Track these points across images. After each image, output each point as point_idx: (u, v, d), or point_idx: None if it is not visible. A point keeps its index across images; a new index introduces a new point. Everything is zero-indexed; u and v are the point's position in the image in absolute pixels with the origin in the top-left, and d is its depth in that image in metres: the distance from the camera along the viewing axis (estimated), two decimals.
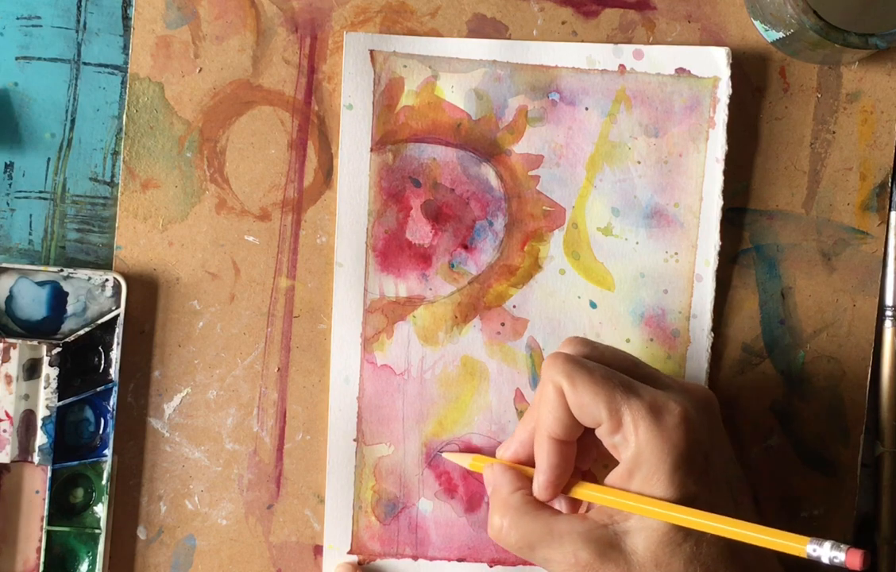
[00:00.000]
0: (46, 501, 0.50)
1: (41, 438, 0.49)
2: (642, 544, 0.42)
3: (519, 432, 0.48)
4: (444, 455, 0.51)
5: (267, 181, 0.52)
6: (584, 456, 0.47)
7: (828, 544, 0.38)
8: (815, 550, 0.39)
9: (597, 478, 0.47)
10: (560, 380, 0.44)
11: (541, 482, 0.45)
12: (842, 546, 0.38)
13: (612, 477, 0.44)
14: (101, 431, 0.51)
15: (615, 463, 0.45)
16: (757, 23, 0.52)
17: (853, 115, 0.53)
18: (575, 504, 0.46)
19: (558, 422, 0.44)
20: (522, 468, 0.47)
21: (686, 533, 0.42)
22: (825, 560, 0.39)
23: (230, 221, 0.52)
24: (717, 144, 0.52)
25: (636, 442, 0.43)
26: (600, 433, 0.44)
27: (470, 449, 0.52)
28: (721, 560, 0.43)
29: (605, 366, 0.45)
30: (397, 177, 0.52)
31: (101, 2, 0.52)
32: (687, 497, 0.42)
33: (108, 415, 0.50)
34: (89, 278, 0.51)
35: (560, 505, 0.46)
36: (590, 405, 0.43)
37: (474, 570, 0.52)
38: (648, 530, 0.42)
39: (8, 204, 0.52)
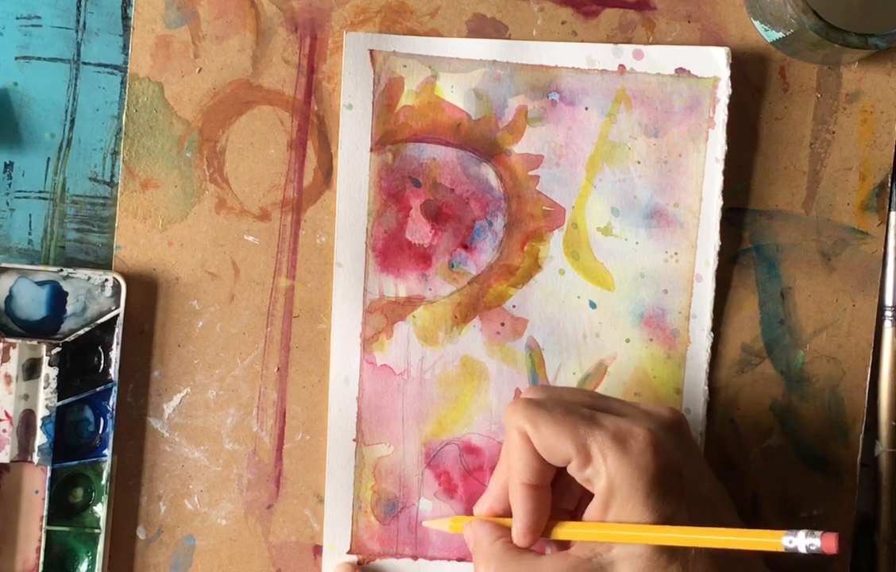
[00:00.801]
0: (46, 501, 0.50)
1: (41, 438, 0.49)
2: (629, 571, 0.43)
3: (492, 486, 0.48)
4: (425, 523, 0.51)
5: (267, 181, 0.52)
6: (566, 496, 0.47)
7: (802, 533, 0.39)
8: (790, 542, 0.39)
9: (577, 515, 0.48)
10: (523, 424, 0.44)
11: (519, 529, 0.45)
12: (815, 533, 0.38)
13: (589, 511, 0.44)
14: (100, 431, 0.51)
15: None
16: (757, 23, 0.52)
17: (853, 115, 0.53)
18: (563, 544, 0.46)
19: (528, 468, 0.45)
20: (500, 520, 0.48)
21: (671, 556, 0.42)
22: (802, 549, 0.39)
23: (230, 221, 0.52)
24: (716, 144, 0.52)
25: (606, 472, 0.43)
26: (571, 470, 0.44)
27: (470, 449, 0.52)
28: (714, 564, 0.43)
29: (565, 403, 0.45)
30: (397, 177, 0.52)
31: (100, 2, 0.52)
32: (664, 518, 0.42)
33: (108, 415, 0.50)
34: (89, 278, 0.51)
35: (549, 548, 0.47)
36: (555, 444, 0.44)
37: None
38: (633, 558, 0.43)
39: (8, 204, 0.52)
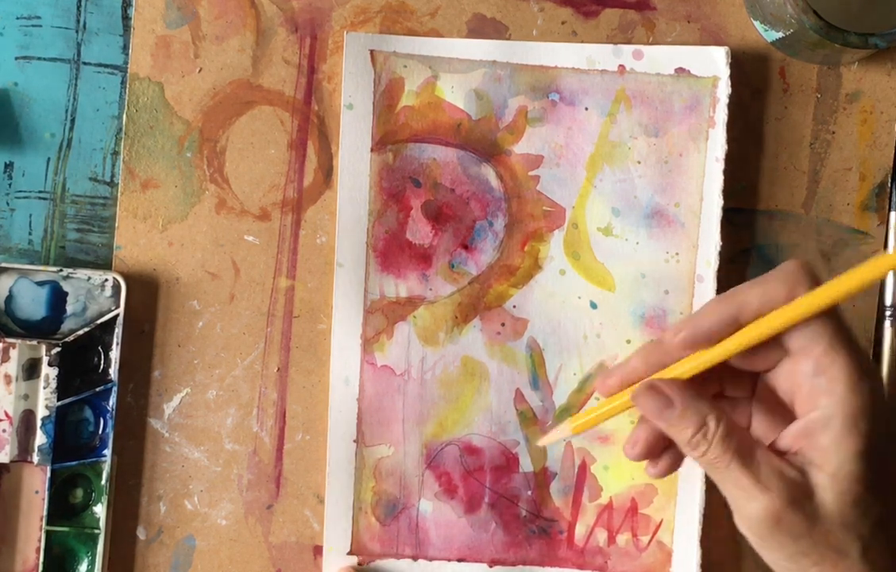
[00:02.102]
0: (46, 501, 0.50)
1: (41, 438, 0.49)
2: (832, 501, 0.41)
3: (710, 315, 0.42)
4: (540, 443, 0.48)
5: (267, 181, 0.52)
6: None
7: None
8: None
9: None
10: (800, 290, 0.41)
11: (695, 323, 0.41)
12: None
13: (800, 424, 0.42)
14: (100, 431, 0.51)
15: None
16: (757, 23, 0.52)
17: (853, 116, 0.53)
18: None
19: (758, 310, 0.41)
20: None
21: (877, 496, 0.41)
22: None
23: (230, 221, 0.52)
24: (716, 144, 0.52)
25: (844, 392, 0.40)
26: (801, 368, 0.41)
27: (470, 449, 0.52)
28: None
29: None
30: (397, 177, 0.52)
31: (101, 2, 0.52)
32: (881, 470, 0.41)
33: (108, 415, 0.50)
34: (89, 278, 0.51)
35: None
36: (815, 327, 0.41)
37: (474, 570, 0.51)
38: (840, 489, 0.41)
39: (8, 204, 0.52)
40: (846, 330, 0.41)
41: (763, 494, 0.41)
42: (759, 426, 0.46)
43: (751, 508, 0.41)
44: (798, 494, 0.41)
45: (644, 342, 0.52)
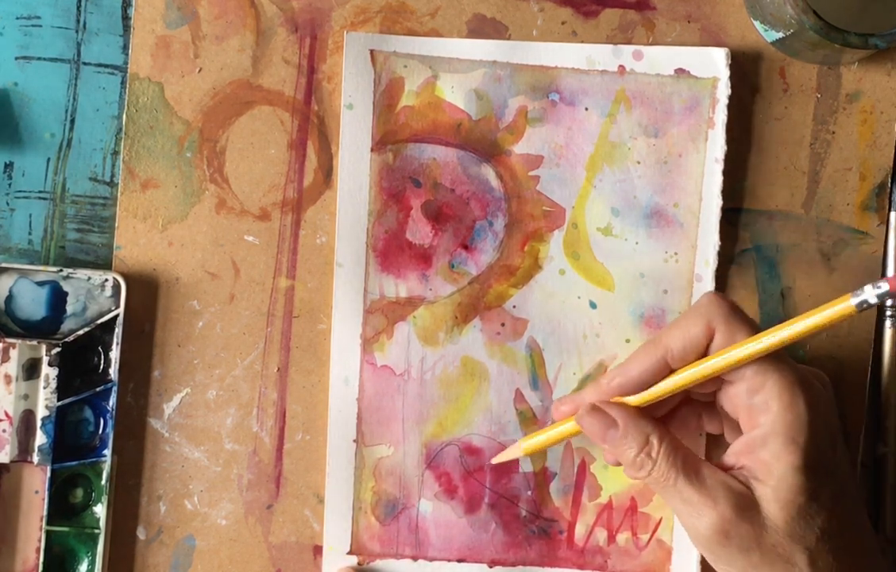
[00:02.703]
0: (46, 501, 0.50)
1: (40, 438, 0.49)
2: (777, 513, 0.42)
3: (639, 363, 0.45)
4: (494, 461, 0.51)
5: (267, 181, 0.52)
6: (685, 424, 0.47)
7: (867, 287, 0.40)
8: (857, 298, 0.40)
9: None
10: (717, 323, 0.43)
11: (626, 373, 0.44)
12: (880, 281, 0.40)
13: (742, 442, 0.44)
14: (100, 431, 0.51)
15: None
16: (757, 23, 0.52)
17: (853, 116, 0.53)
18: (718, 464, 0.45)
19: (682, 352, 0.44)
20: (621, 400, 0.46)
21: (820, 507, 0.42)
22: (873, 300, 0.40)
23: (230, 221, 0.52)
24: (716, 144, 0.52)
25: (779, 406, 0.42)
26: (736, 391, 0.44)
27: (470, 449, 0.52)
28: (848, 532, 0.43)
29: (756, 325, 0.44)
30: (397, 177, 0.52)
31: (101, 2, 0.52)
32: (820, 472, 0.42)
33: (108, 415, 0.50)
34: (89, 278, 0.51)
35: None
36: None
37: (474, 571, 0.52)
38: (783, 501, 0.42)
39: (8, 204, 0.52)
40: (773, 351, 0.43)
41: (711, 508, 0.42)
42: (729, 434, 0.48)
43: (700, 523, 0.43)
44: (744, 505, 0.42)
45: (642, 342, 0.52)
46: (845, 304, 0.41)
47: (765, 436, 0.43)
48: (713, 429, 0.49)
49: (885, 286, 0.39)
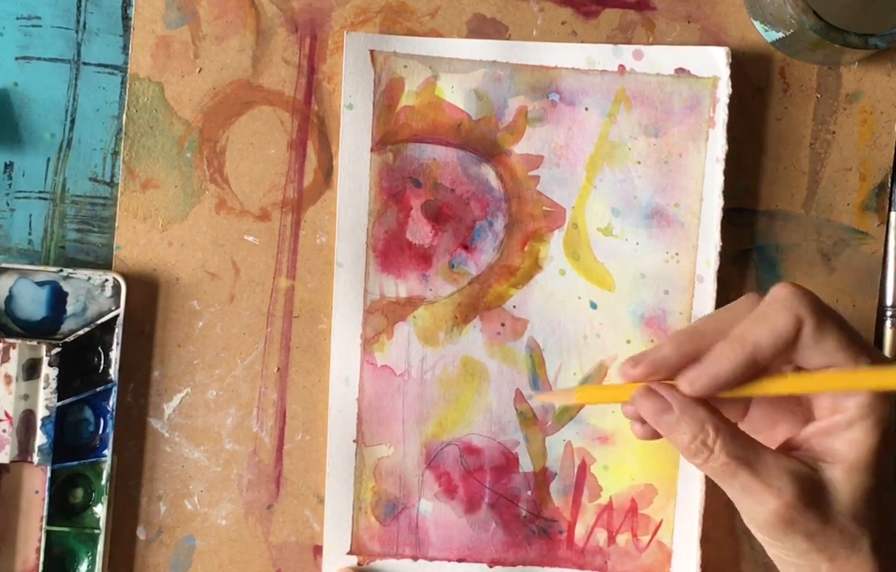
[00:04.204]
0: (46, 501, 0.50)
1: (41, 438, 0.49)
2: (846, 494, 0.41)
3: (675, 346, 0.43)
4: (536, 397, 0.49)
5: (267, 181, 0.52)
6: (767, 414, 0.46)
7: None
8: None
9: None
10: (806, 315, 0.41)
11: (705, 382, 0.42)
12: None
13: (817, 426, 0.42)
14: (100, 431, 0.51)
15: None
16: (757, 23, 0.52)
17: (853, 116, 0.53)
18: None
19: (774, 349, 0.41)
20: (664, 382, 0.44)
21: (890, 489, 0.41)
22: None
23: (230, 221, 0.52)
24: (717, 144, 0.52)
25: (870, 395, 0.41)
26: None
27: (470, 449, 0.52)
28: None
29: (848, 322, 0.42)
30: (397, 177, 0.52)
31: (101, 2, 0.52)
32: (892, 446, 0.41)
33: (108, 415, 0.50)
34: (89, 278, 0.51)
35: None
36: (833, 349, 0.41)
37: (474, 571, 0.51)
38: (852, 484, 0.41)
39: (8, 204, 0.52)
40: (859, 338, 0.42)
41: (774, 498, 0.41)
42: (758, 412, 0.46)
43: (762, 511, 0.41)
44: (811, 491, 0.41)
45: (643, 342, 0.52)
46: None
47: (851, 420, 0.41)
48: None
49: None
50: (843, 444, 0.41)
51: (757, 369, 0.41)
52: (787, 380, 0.42)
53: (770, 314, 0.41)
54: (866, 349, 0.41)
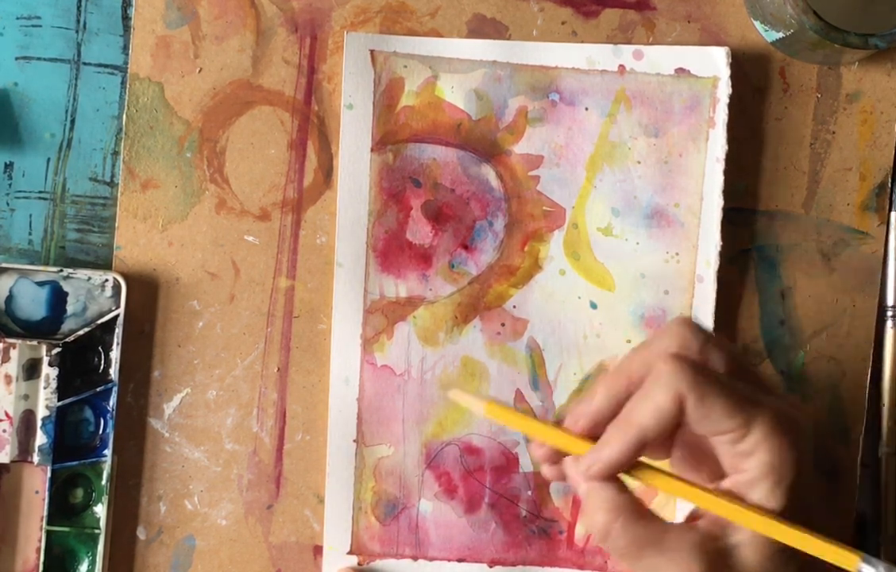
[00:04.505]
0: (46, 501, 0.50)
1: (41, 438, 0.49)
2: (753, 559, 0.41)
3: (605, 396, 0.43)
4: (451, 394, 0.48)
5: (267, 181, 0.52)
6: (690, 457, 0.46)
7: (882, 567, 0.38)
8: (866, 570, 0.39)
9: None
10: (686, 392, 0.41)
11: (600, 466, 0.42)
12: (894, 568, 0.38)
13: (727, 485, 0.42)
14: (100, 431, 0.51)
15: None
16: (757, 23, 0.52)
17: (853, 116, 0.53)
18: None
19: (658, 430, 0.42)
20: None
21: (792, 552, 0.41)
22: None
23: (230, 221, 0.52)
24: (717, 144, 0.52)
25: (766, 453, 0.41)
26: (720, 440, 0.42)
27: (470, 449, 0.52)
28: (822, 563, 0.42)
29: (727, 377, 0.42)
30: (397, 177, 0.52)
31: (101, 2, 0.52)
32: (802, 509, 0.41)
33: (108, 416, 0.50)
34: (89, 278, 0.51)
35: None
36: (717, 418, 0.41)
37: (474, 571, 0.51)
38: (760, 545, 0.41)
39: (8, 204, 0.52)
40: (750, 393, 0.42)
41: (685, 568, 0.41)
42: (681, 452, 0.46)
43: None
44: (718, 560, 0.41)
45: (643, 341, 0.52)
46: (850, 562, 0.39)
47: (751, 482, 0.42)
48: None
49: None
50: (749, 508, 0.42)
51: (645, 449, 0.42)
52: (671, 483, 0.42)
53: (651, 393, 0.42)
54: (754, 412, 0.41)
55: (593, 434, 0.43)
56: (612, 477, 0.43)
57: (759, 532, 0.41)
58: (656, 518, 0.42)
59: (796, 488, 0.41)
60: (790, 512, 0.41)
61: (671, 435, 0.45)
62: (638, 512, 0.42)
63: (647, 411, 0.42)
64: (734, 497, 0.42)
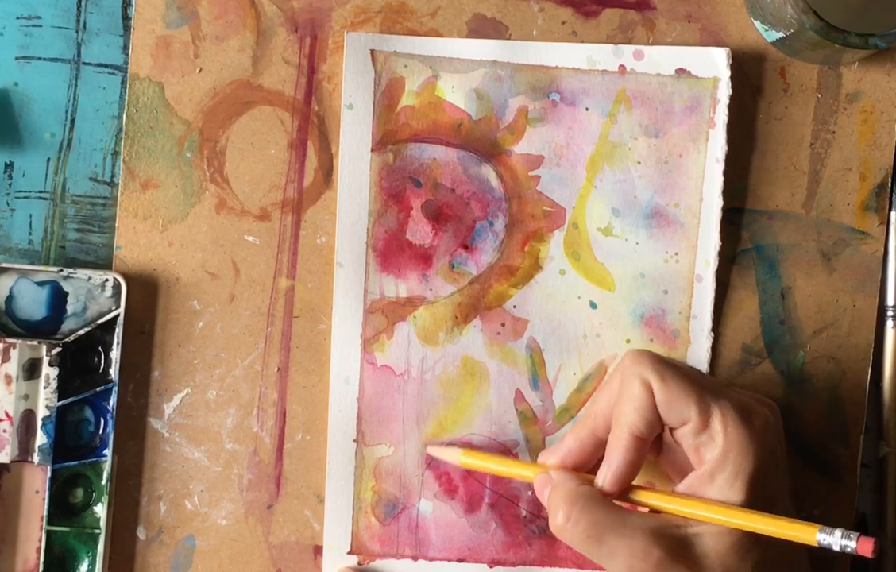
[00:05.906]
0: (46, 501, 0.50)
1: (41, 438, 0.49)
2: (713, 548, 0.42)
3: (570, 439, 0.47)
4: (429, 449, 0.51)
5: (267, 181, 0.52)
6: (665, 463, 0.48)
7: (838, 532, 0.40)
8: (824, 538, 0.40)
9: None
10: (649, 376, 0.43)
11: (611, 475, 0.44)
12: (852, 534, 0.39)
13: (691, 478, 0.44)
14: (100, 431, 0.51)
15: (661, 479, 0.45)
16: (757, 23, 0.52)
17: (853, 116, 0.53)
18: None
19: (642, 419, 0.44)
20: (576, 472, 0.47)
21: (755, 540, 0.42)
22: (836, 547, 0.39)
23: (230, 221, 0.52)
24: (717, 145, 0.52)
25: (724, 442, 0.42)
26: (683, 432, 0.44)
27: (471, 449, 0.52)
28: (783, 565, 0.43)
29: (689, 367, 0.45)
30: (398, 177, 0.52)
31: (101, 2, 0.52)
32: (764, 500, 0.42)
33: (108, 415, 0.50)
34: (89, 278, 0.51)
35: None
36: (680, 403, 0.43)
37: (474, 571, 0.52)
38: (720, 535, 0.42)
39: (8, 204, 0.52)
40: (711, 385, 0.44)
41: (641, 560, 0.42)
42: (671, 455, 0.48)
43: None
44: (678, 547, 0.42)
45: (642, 342, 0.52)
46: (809, 535, 0.40)
47: (712, 472, 0.43)
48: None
49: (852, 543, 0.39)
50: (711, 499, 0.43)
51: (646, 444, 0.44)
52: (658, 496, 0.44)
53: (623, 388, 0.44)
54: (713, 401, 0.43)
55: (566, 465, 0.47)
56: (572, 471, 0.46)
57: (717, 523, 0.42)
58: (616, 505, 0.44)
59: (757, 481, 0.42)
60: (751, 505, 0.42)
61: (658, 440, 0.47)
62: (598, 499, 0.44)
63: (627, 408, 0.44)
64: (693, 493, 0.43)
